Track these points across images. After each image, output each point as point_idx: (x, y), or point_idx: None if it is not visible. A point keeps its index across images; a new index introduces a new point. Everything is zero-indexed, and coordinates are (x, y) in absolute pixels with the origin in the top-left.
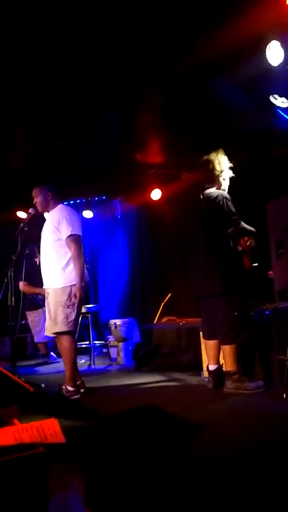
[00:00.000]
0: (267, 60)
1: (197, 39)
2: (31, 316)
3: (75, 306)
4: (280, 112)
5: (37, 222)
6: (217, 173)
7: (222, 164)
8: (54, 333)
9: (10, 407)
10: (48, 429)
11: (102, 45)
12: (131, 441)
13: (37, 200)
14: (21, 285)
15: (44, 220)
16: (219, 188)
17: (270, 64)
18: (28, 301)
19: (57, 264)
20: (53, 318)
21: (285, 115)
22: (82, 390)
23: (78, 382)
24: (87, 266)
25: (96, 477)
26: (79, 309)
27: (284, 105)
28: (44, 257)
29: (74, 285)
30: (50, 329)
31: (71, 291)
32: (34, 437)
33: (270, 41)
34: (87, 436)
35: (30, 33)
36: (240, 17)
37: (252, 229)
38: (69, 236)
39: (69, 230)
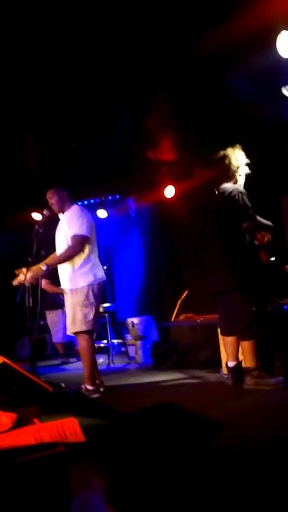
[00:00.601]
0: (277, 51)
1: (206, 32)
2: (50, 316)
3: (93, 305)
4: None
5: (52, 223)
6: (233, 168)
7: (239, 160)
8: (73, 333)
9: (30, 407)
10: (68, 428)
11: (110, 43)
12: (152, 439)
13: (53, 201)
14: (43, 283)
15: (58, 221)
16: (235, 184)
17: (280, 55)
18: (49, 300)
19: (73, 265)
20: (72, 318)
21: None
22: (101, 389)
23: (97, 381)
24: (105, 266)
25: (117, 475)
26: (97, 307)
27: None
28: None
29: (90, 284)
30: (70, 329)
31: (88, 291)
32: (54, 436)
33: (280, 32)
34: (107, 435)
35: (40, 37)
36: (250, 8)
37: (269, 223)
38: (75, 235)
39: (76, 229)
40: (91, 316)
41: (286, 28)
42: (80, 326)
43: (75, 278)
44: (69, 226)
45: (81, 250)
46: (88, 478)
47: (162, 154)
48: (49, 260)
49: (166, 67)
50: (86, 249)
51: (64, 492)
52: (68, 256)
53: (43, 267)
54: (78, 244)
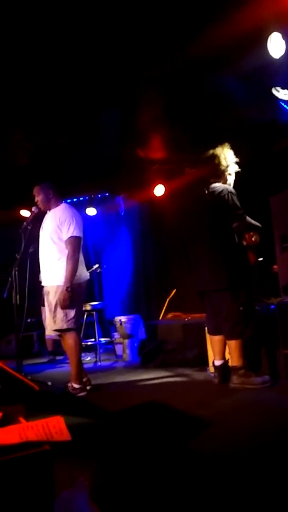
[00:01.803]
0: (268, 52)
1: (198, 32)
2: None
3: (75, 304)
4: (283, 104)
5: (41, 220)
6: (223, 167)
7: (228, 158)
8: (54, 330)
9: (16, 406)
10: (53, 427)
11: (101, 41)
12: (138, 437)
13: (38, 198)
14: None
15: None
16: (224, 182)
17: (271, 56)
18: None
19: (58, 262)
20: (52, 316)
21: (287, 108)
22: (88, 387)
23: (84, 380)
24: (104, 267)
25: (102, 474)
26: (80, 306)
27: (286, 98)
28: (44, 254)
29: (75, 283)
30: (50, 327)
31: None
32: (40, 435)
33: (271, 33)
34: (93, 433)
35: (30, 33)
36: (241, 9)
37: (257, 224)
38: (70, 237)
39: (70, 231)
40: (72, 314)
41: (277, 30)
42: (61, 324)
43: (60, 275)
44: (57, 226)
45: (79, 252)
46: (73, 477)
47: (152, 153)
48: (65, 280)
49: (157, 66)
50: None
51: (48, 491)
52: (73, 262)
53: (68, 291)
54: (76, 246)
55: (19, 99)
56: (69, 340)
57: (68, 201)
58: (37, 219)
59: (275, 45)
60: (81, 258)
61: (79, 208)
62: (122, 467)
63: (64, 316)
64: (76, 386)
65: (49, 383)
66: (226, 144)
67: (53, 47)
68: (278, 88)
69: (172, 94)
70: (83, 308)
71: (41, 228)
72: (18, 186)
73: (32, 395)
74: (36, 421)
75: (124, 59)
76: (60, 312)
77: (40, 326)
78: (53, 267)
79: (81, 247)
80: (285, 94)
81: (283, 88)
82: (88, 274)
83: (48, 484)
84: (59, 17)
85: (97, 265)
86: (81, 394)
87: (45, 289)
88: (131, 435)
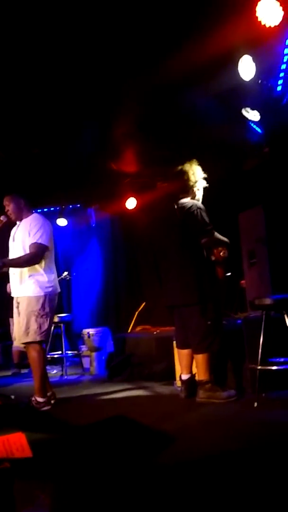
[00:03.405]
0: (239, 74)
1: (172, 51)
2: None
3: (48, 316)
4: (252, 125)
5: (10, 230)
6: (191, 183)
7: (196, 174)
8: (24, 343)
9: None
10: (14, 443)
11: (79, 55)
12: (101, 453)
13: (9, 208)
14: (9, 287)
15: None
16: (193, 198)
17: (242, 78)
18: (12, 307)
19: (30, 272)
20: (25, 328)
21: (257, 128)
22: (52, 401)
23: (48, 393)
24: (73, 275)
25: (63, 492)
26: (52, 318)
27: (255, 119)
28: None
29: (48, 294)
30: (20, 339)
31: (44, 300)
32: (0, 451)
33: (242, 56)
34: (56, 450)
35: (8, 41)
36: (213, 32)
37: (226, 239)
38: (35, 243)
39: (36, 237)
40: (45, 326)
41: (248, 53)
42: (34, 336)
43: (32, 286)
44: (28, 234)
45: (40, 259)
46: (34, 495)
47: (125, 166)
48: (7, 259)
49: (133, 81)
50: (46, 258)
51: (9, 510)
52: (28, 262)
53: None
54: (39, 252)
55: None
56: (33, 353)
57: (39, 211)
58: (6, 228)
59: (245, 68)
60: (54, 269)
61: (50, 218)
62: (84, 484)
63: (38, 328)
64: (40, 400)
65: (13, 397)
66: (194, 160)
67: (30, 57)
68: (248, 109)
69: (147, 109)
70: None
71: (11, 238)
72: None
73: None
74: None
75: (101, 73)
76: (34, 324)
77: (5, 337)
78: (26, 278)
79: (53, 258)
80: (254, 115)
81: (252, 109)
82: (59, 287)
83: (8, 503)
84: (38, 27)
85: (66, 273)
86: (45, 408)
87: (15, 300)
88: (95, 450)
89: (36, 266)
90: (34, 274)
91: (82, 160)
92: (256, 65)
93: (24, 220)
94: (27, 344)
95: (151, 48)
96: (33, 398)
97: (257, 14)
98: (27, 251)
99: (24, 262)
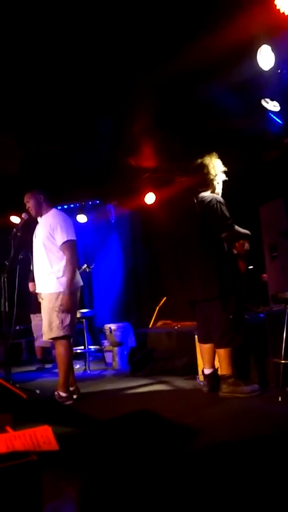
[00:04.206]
0: (258, 64)
1: (189, 43)
2: (35, 320)
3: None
4: (272, 115)
5: (31, 227)
6: (211, 177)
7: (216, 168)
8: (50, 339)
9: (3, 415)
10: (41, 437)
11: (94, 50)
12: (126, 447)
13: (30, 205)
14: (31, 286)
15: (37, 225)
16: (213, 192)
17: (261, 68)
18: (33, 304)
19: (50, 270)
20: (48, 324)
21: (276, 119)
22: (75, 396)
23: (72, 388)
24: (92, 267)
25: (90, 484)
26: (74, 313)
27: (275, 109)
28: (38, 262)
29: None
30: (46, 334)
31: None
32: (27, 444)
33: (261, 45)
34: (81, 443)
35: (24, 38)
36: (231, 21)
37: (247, 232)
38: (65, 242)
39: (64, 236)
40: (68, 321)
41: (267, 43)
42: (57, 332)
43: (54, 283)
44: (49, 231)
45: (76, 255)
46: (61, 487)
47: (143, 161)
48: (67, 283)
49: (150, 74)
50: (63, 253)
51: (36, 502)
52: (71, 266)
53: (67, 293)
54: (74, 249)
55: (11, 105)
56: (60, 348)
57: (59, 208)
58: (28, 225)
59: (264, 57)
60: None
61: (69, 215)
62: (110, 477)
63: (60, 323)
64: (62, 394)
65: (38, 391)
66: (214, 153)
67: (46, 54)
68: (267, 100)
69: (164, 103)
70: None
71: (34, 235)
72: (8, 192)
73: (20, 403)
74: (23, 430)
75: (118, 67)
76: (56, 320)
77: (28, 333)
78: (46, 275)
79: (77, 250)
80: (274, 106)
81: (272, 99)
82: (81, 281)
83: (35, 495)
84: (52, 22)
85: (85, 265)
86: (68, 402)
87: (39, 296)
88: (119, 444)
89: (57, 263)
90: (53, 271)
91: (101, 156)
92: (275, 54)
93: (44, 216)
94: (53, 339)
95: (167, 40)
96: (56, 393)
97: (275, 2)
98: (47, 248)
99: (69, 271)
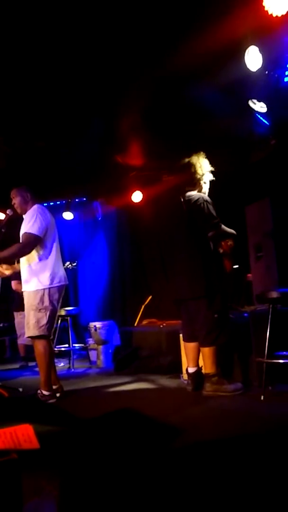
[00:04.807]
0: (246, 65)
1: (178, 44)
2: (18, 317)
3: (47, 310)
4: (259, 116)
5: (17, 223)
6: (198, 176)
7: (203, 167)
8: (28, 337)
9: None
10: (22, 435)
11: (84, 48)
12: (108, 445)
13: (16, 201)
14: (14, 284)
15: (22, 221)
16: (200, 191)
17: (248, 69)
18: (17, 301)
19: (29, 267)
20: (26, 322)
21: (263, 120)
22: (58, 395)
23: (55, 386)
24: (75, 264)
25: (70, 483)
26: (53, 312)
27: (262, 110)
28: (22, 258)
29: (46, 288)
30: (25, 332)
31: (43, 294)
32: (7, 443)
33: (248, 46)
34: (62, 441)
35: (12, 36)
36: (220, 22)
37: (232, 231)
38: (25, 233)
39: (29, 226)
40: (44, 321)
41: (254, 43)
42: (33, 331)
43: (31, 281)
44: (25, 225)
45: (30, 249)
46: (41, 486)
47: (131, 159)
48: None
49: (138, 74)
50: (41, 251)
51: (16, 500)
52: (15, 253)
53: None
54: (28, 242)
55: None
56: (39, 347)
57: (45, 204)
58: (12, 222)
59: (252, 59)
60: (56, 263)
61: (56, 212)
62: (91, 476)
63: (36, 322)
64: (45, 393)
65: (20, 389)
66: (202, 153)
67: (35, 51)
68: (255, 101)
69: (152, 102)
70: (58, 313)
71: (20, 232)
72: None
73: (1, 402)
74: (4, 428)
75: (107, 66)
76: (32, 319)
77: (12, 331)
78: (27, 273)
79: (54, 251)
80: (261, 107)
81: (259, 100)
82: (64, 279)
83: (15, 493)
84: (43, 20)
85: (68, 262)
86: (51, 401)
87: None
88: (101, 443)
89: (33, 260)
90: (32, 268)
91: (88, 153)
92: (262, 55)
93: (27, 213)
94: (31, 338)
95: (156, 40)
96: (38, 391)
97: (263, 3)
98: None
99: (11, 253)
